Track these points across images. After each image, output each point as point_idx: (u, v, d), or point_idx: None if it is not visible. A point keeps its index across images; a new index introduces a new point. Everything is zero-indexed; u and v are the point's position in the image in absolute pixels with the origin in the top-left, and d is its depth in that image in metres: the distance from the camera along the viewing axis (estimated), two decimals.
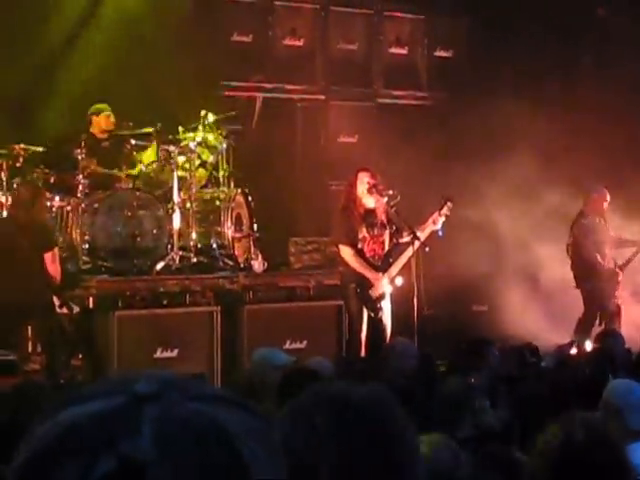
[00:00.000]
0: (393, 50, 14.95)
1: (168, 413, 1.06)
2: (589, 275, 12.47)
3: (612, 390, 6.11)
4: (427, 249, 10.54)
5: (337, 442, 1.89)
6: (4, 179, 10.99)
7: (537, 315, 12.85)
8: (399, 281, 10.77)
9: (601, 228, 12.55)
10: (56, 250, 10.12)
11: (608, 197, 12.62)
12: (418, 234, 10.51)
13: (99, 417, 1.06)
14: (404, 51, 15.02)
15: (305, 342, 11.04)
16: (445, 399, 5.97)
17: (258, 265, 11.63)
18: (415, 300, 10.58)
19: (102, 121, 11.55)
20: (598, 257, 12.44)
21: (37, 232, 10.04)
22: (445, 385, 6.22)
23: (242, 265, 11.60)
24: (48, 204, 11.02)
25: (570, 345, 10.28)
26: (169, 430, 1.05)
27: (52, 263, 10.01)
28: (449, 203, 10.63)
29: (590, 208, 12.58)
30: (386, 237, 10.79)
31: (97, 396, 1.08)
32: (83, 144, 11.21)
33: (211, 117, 11.71)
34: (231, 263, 11.53)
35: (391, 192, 10.74)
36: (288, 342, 10.83)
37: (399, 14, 14.95)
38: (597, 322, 12.18)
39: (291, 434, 1.89)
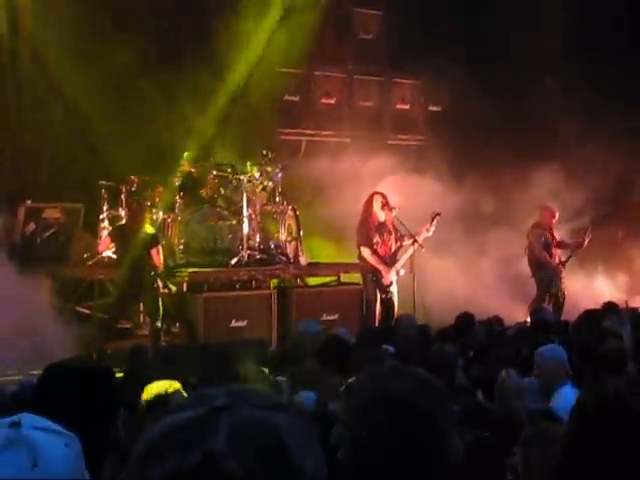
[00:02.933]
0: (399, 106, 15.18)
1: (238, 420, 1.08)
2: (540, 269, 12.53)
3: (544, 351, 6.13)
4: (423, 249, 10.73)
5: (390, 430, 1.82)
6: (124, 199, 11.27)
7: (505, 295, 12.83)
8: (402, 272, 10.96)
9: (548, 236, 12.54)
10: (159, 247, 10.36)
11: (557, 215, 12.56)
12: (417, 238, 10.69)
13: (189, 423, 1.08)
14: (407, 107, 15.23)
15: (337, 315, 11.23)
16: (435, 359, 5.90)
17: (303, 260, 11.87)
18: (414, 285, 10.75)
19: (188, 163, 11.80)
20: (546, 255, 12.48)
21: (145, 235, 10.29)
22: (435, 349, 6.15)
23: (292, 260, 11.81)
24: (154, 217, 11.24)
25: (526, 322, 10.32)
26: (238, 432, 1.07)
27: (157, 255, 10.30)
28: (438, 217, 10.83)
29: (540, 221, 12.56)
30: (393, 241, 11.00)
31: (187, 407, 1.11)
32: (179, 174, 11.46)
33: (270, 154, 11.90)
34: (284, 259, 11.77)
35: (397, 208, 10.90)
36: (325, 315, 11.01)
37: (403, 80, 15.14)
38: (546, 302, 12.17)
39: (355, 424, 1.85)
